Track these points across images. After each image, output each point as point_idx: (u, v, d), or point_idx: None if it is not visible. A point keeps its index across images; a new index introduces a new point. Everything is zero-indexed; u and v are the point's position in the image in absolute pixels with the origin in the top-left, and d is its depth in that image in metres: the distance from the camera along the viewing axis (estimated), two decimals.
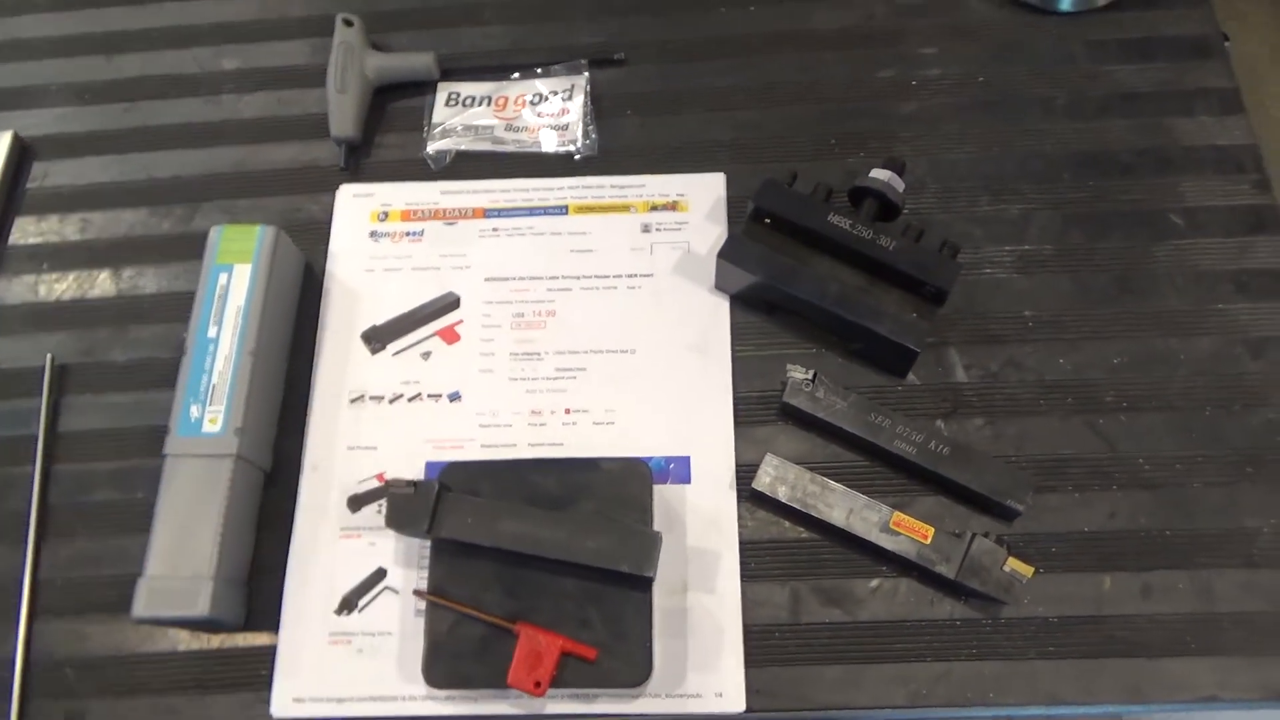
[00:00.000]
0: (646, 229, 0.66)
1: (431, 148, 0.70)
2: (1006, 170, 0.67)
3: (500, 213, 0.67)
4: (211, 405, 0.57)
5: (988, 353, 0.61)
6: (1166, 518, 0.56)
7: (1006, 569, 0.53)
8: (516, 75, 0.72)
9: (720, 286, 0.63)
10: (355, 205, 0.68)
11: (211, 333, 0.59)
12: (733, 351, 0.62)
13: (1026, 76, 0.70)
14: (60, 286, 0.68)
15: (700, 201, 0.66)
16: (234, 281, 0.60)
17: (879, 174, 0.62)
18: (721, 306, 0.63)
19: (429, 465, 0.59)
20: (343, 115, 0.69)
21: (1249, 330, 0.61)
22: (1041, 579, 0.55)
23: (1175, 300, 0.62)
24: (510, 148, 0.69)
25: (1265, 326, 0.61)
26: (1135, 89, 0.69)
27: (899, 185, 0.62)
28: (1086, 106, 0.68)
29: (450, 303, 0.64)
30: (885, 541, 0.55)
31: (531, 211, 0.67)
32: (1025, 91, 0.69)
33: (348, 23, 0.72)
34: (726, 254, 0.60)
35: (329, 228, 0.68)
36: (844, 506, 0.56)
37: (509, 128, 0.70)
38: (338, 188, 0.69)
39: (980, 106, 0.69)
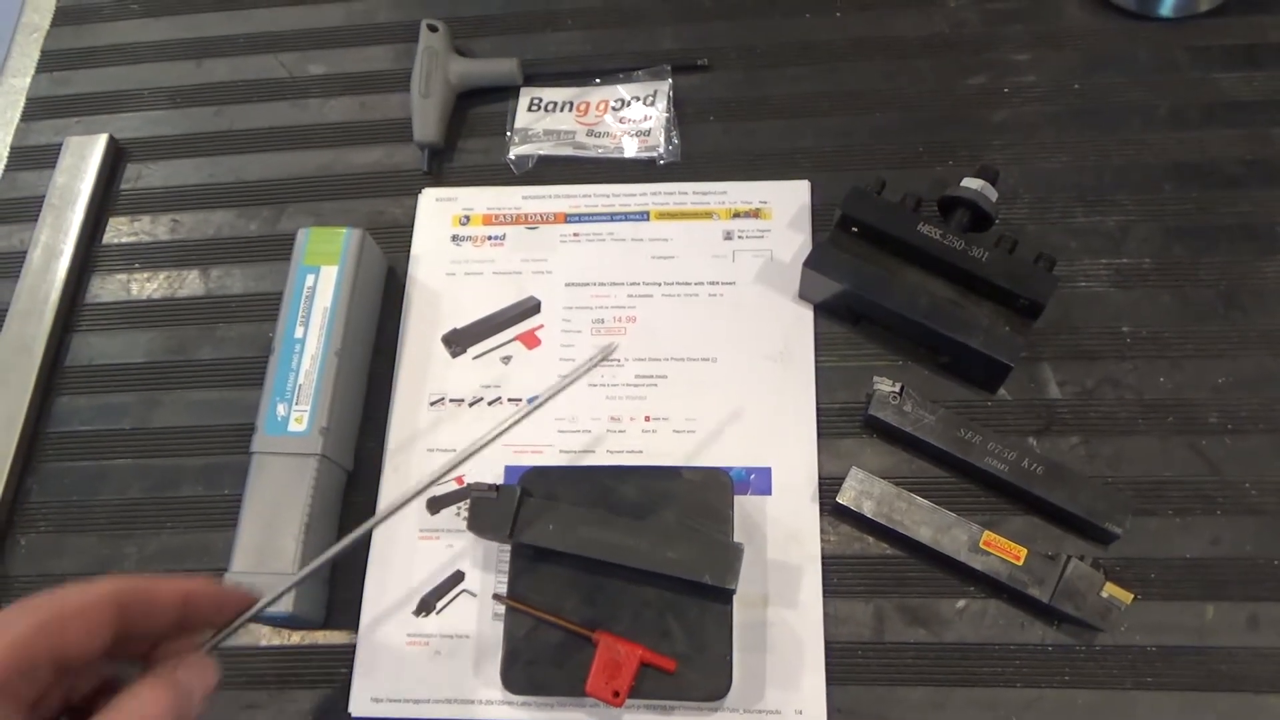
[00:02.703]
0: (729, 236, 0.65)
1: (513, 153, 0.70)
2: (1104, 181, 0.64)
3: (581, 218, 0.67)
4: (298, 405, 0.57)
5: (1083, 369, 0.59)
6: (1274, 546, 0.54)
7: (1104, 594, 0.51)
8: (599, 81, 0.72)
9: (804, 295, 0.62)
10: (437, 209, 0.69)
11: (298, 333, 0.59)
12: (816, 362, 0.61)
13: (1125, 84, 0.67)
14: (151, 285, 0.69)
15: (784, 209, 0.65)
16: (320, 283, 0.61)
17: (971, 183, 0.60)
18: (805, 316, 0.62)
19: (508, 469, 0.59)
20: (426, 120, 0.70)
21: None
22: (1139, 606, 0.53)
23: None
24: (592, 153, 0.69)
25: None
26: (1241, 98, 0.66)
27: (992, 195, 0.60)
28: (1190, 116, 0.66)
29: (531, 307, 0.64)
30: (974, 561, 0.53)
31: (613, 217, 0.67)
32: (1124, 100, 0.67)
33: (432, 28, 0.73)
34: (813, 263, 0.59)
35: (411, 231, 0.68)
36: (931, 524, 0.54)
37: (591, 133, 0.70)
38: (420, 192, 0.69)
39: (1076, 115, 0.67)
